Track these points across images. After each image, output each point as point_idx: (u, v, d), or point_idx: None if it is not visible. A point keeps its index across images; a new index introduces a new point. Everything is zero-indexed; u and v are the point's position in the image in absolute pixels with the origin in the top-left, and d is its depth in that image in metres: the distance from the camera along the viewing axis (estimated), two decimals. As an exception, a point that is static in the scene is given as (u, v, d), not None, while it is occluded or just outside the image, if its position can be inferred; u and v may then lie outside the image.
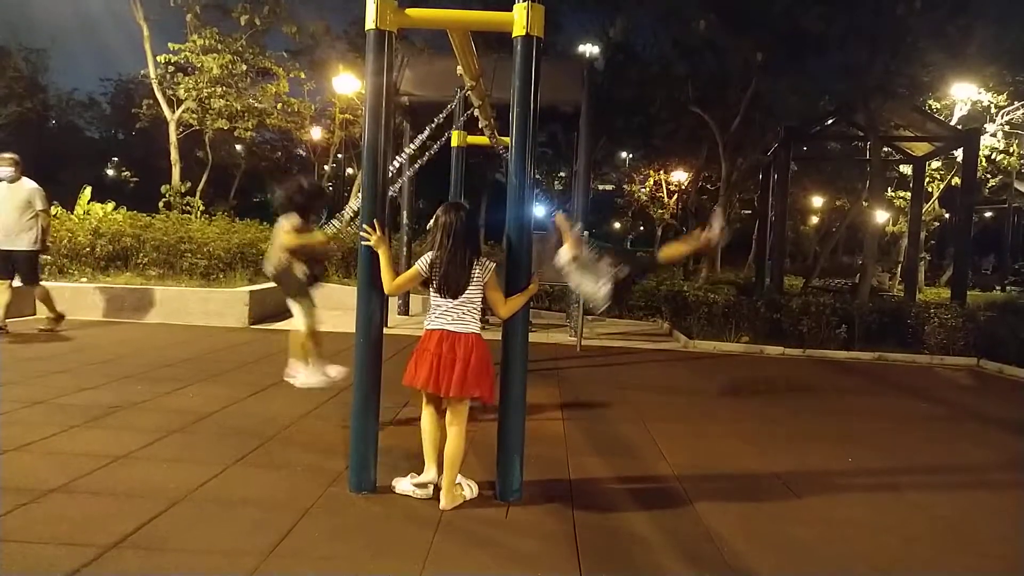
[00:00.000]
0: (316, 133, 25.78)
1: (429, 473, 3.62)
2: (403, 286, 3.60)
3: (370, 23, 3.54)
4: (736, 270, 27.04)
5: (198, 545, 2.96)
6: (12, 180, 7.61)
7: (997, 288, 26.72)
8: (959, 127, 16.01)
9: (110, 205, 13.27)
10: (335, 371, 5.10)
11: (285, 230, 4.83)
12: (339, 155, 28.16)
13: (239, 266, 11.49)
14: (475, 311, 3.55)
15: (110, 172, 42.81)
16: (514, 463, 3.63)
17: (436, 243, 3.53)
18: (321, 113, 24.45)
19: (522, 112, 3.55)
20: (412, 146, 5.45)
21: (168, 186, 17.30)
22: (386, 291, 3.60)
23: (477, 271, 3.52)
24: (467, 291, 3.50)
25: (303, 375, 5.09)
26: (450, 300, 3.50)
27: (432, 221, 3.61)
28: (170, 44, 17.67)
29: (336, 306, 11.67)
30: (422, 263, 3.55)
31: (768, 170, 17.03)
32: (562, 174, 32.62)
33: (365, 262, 3.65)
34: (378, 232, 3.57)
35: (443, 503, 3.49)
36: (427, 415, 3.63)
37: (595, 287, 4.15)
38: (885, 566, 3.18)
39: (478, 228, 3.70)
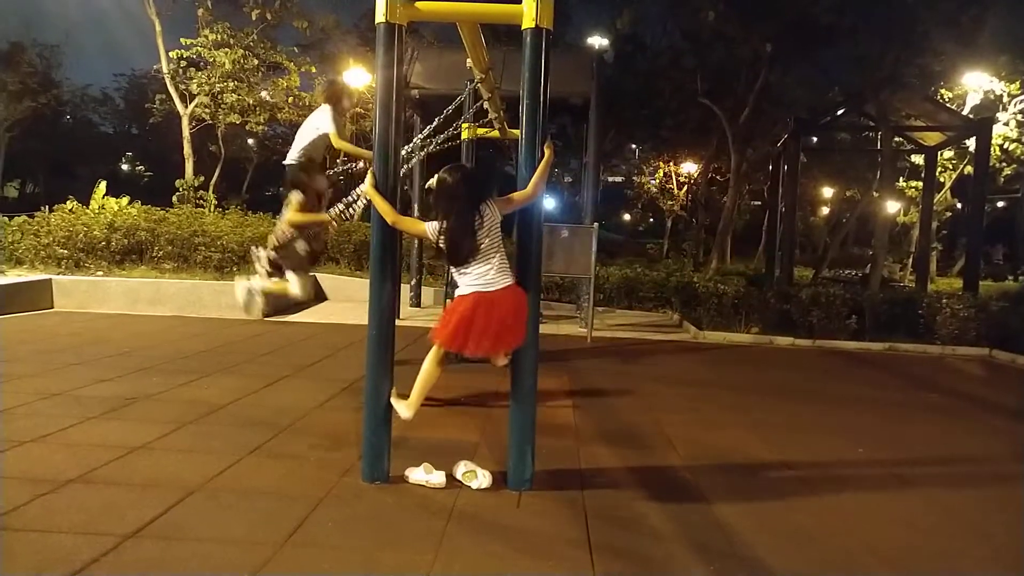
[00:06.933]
0: (327, 127, 25.88)
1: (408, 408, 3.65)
2: (403, 223, 3.60)
3: (380, 16, 3.56)
4: (746, 261, 26.96)
5: (213, 535, 3.00)
6: None
7: (1010, 278, 26.50)
8: (971, 116, 15.84)
9: (125, 199, 13.37)
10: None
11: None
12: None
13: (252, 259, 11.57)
14: (496, 265, 3.48)
15: (124, 167, 43.20)
16: (525, 453, 3.66)
17: (440, 210, 3.49)
18: (332, 107, 24.51)
19: (531, 104, 3.56)
20: (419, 137, 5.56)
21: (182, 180, 17.43)
22: (389, 221, 3.56)
23: (485, 221, 3.45)
24: (481, 250, 3.45)
25: (258, 280, 5.41)
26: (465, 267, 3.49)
27: (435, 183, 3.56)
28: (182, 39, 17.79)
29: (347, 298, 11.77)
30: (431, 227, 3.51)
31: (778, 161, 16.91)
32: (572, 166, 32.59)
33: (377, 254, 3.68)
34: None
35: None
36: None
37: None
38: (896, 557, 3.18)
39: (484, 184, 3.58)
